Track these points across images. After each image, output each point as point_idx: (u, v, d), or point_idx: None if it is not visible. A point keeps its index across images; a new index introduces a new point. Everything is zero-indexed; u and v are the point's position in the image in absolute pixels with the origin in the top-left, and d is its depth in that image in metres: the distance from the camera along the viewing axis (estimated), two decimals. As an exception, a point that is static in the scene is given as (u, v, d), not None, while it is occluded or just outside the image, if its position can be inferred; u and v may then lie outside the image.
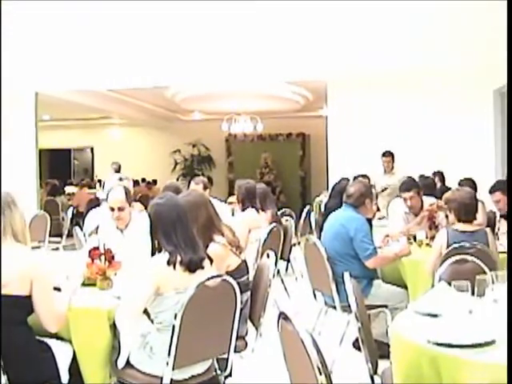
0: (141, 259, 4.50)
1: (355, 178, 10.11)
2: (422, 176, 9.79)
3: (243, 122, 18.91)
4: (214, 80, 14.30)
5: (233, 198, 10.11)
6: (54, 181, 17.92)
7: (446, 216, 6.47)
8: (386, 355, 3.76)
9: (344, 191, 6.77)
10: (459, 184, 9.30)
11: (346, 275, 4.40)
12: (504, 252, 6.42)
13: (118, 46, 10.19)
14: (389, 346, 3.70)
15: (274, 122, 20.64)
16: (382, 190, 11.84)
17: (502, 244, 6.60)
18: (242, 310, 4.72)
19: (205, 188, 8.69)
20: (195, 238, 4.34)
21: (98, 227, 6.54)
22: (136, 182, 19.53)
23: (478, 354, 3.17)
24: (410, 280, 6.38)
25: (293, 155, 22.16)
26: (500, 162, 12.01)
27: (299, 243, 10.02)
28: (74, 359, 4.19)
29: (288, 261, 10.03)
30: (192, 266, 4.15)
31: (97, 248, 5.04)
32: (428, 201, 8.01)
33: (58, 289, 4.24)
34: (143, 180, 21.23)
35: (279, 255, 8.44)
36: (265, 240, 7.54)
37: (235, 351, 4.58)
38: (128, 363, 4.19)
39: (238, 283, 4.49)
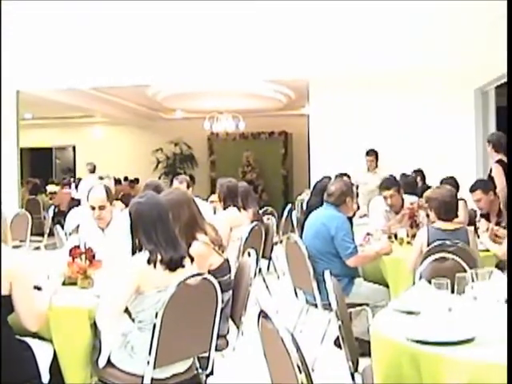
0: (121, 258, 4.49)
1: (337, 176, 10.16)
2: (403, 174, 9.85)
3: (225, 120, 18.91)
4: (196, 78, 14.29)
5: (214, 197, 10.11)
6: (35, 180, 17.82)
7: (427, 214, 6.48)
8: (367, 353, 3.76)
9: (325, 190, 6.78)
10: (441, 182, 9.32)
11: (327, 273, 4.41)
12: (484, 250, 6.48)
13: (100, 45, 10.16)
14: (370, 343, 3.71)
15: (256, 121, 20.65)
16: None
17: (483, 242, 6.63)
18: (223, 308, 4.73)
19: (188, 186, 8.72)
20: (176, 237, 4.33)
21: (78, 226, 6.51)
22: (118, 181, 19.51)
23: (457, 351, 3.18)
24: (391, 278, 6.40)
25: (275, 154, 22.17)
26: (481, 161, 12.07)
27: (281, 242, 10.02)
28: (55, 359, 4.17)
29: (270, 259, 10.04)
30: (172, 265, 4.14)
31: (77, 247, 5.03)
32: (409, 199, 8.05)
33: (38, 288, 4.23)
34: (125, 179, 21.19)
35: (261, 254, 8.44)
36: (246, 238, 7.54)
37: (216, 350, 4.58)
38: (109, 362, 4.18)
39: (220, 282, 4.49)
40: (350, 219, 7.52)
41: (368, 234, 7.20)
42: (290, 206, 12.18)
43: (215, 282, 4.28)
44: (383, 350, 3.55)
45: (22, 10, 7.91)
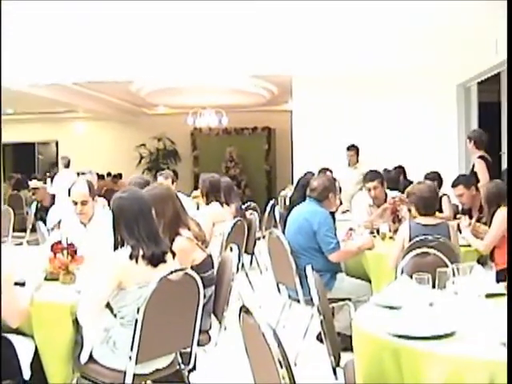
0: (103, 253, 4.48)
1: (320, 171, 10.18)
2: (385, 170, 9.87)
3: (208, 115, 18.88)
4: (179, 74, 14.25)
5: (197, 192, 10.11)
6: (17, 175, 17.76)
7: (409, 209, 6.51)
8: (349, 348, 3.77)
9: (308, 185, 6.79)
10: (425, 177, 9.38)
11: (308, 268, 4.41)
12: (465, 245, 6.51)
13: (83, 40, 10.11)
14: (352, 338, 3.72)
15: (240, 116, 20.61)
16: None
17: (465, 237, 6.66)
18: (206, 304, 4.73)
19: (172, 182, 8.74)
20: (158, 232, 4.33)
21: (60, 222, 6.49)
22: (101, 177, 19.42)
23: (437, 345, 3.20)
24: (373, 273, 6.42)
25: (258, 149, 22.14)
26: (464, 157, 12.11)
27: (264, 237, 10.02)
28: (36, 354, 4.17)
29: (252, 254, 10.04)
30: (154, 260, 4.13)
31: (59, 242, 5.01)
32: (391, 194, 8.07)
33: (21, 284, 4.22)
34: (108, 174, 21.10)
35: (243, 249, 8.45)
36: (229, 234, 7.54)
37: (199, 345, 4.58)
38: (91, 358, 4.17)
39: (203, 277, 4.50)
40: (333, 215, 7.54)
41: (350, 229, 7.21)
42: (272, 201, 12.19)
43: (197, 277, 4.28)
44: (365, 345, 3.56)
45: (2, 5, 7.86)
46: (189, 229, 5.09)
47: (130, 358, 4.00)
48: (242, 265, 8.57)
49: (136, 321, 3.98)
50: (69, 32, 9.53)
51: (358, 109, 13.46)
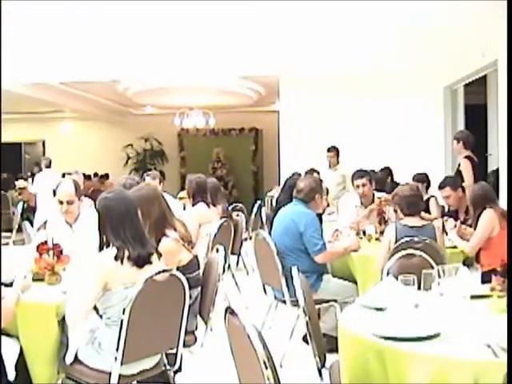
0: (89, 254, 4.47)
1: (307, 172, 10.19)
2: (372, 171, 9.88)
3: (195, 116, 18.89)
4: (166, 74, 14.24)
5: (184, 193, 10.12)
6: (3, 175, 17.68)
7: (395, 210, 6.53)
8: (335, 349, 3.78)
9: (295, 186, 6.80)
10: (413, 179, 9.43)
11: (294, 270, 4.42)
12: (451, 247, 6.54)
13: (70, 39, 10.07)
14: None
15: (227, 117, 20.61)
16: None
17: (451, 239, 6.69)
18: (192, 304, 4.73)
19: (160, 182, 8.74)
20: (144, 233, 4.31)
21: (46, 222, 6.47)
22: (88, 177, 19.38)
23: (422, 346, 3.22)
24: (359, 274, 6.43)
25: (245, 150, 22.16)
26: (450, 159, 12.14)
27: (250, 238, 10.04)
28: (21, 355, 4.16)
29: (239, 255, 10.05)
30: (140, 262, 4.12)
31: (45, 243, 5.00)
32: (378, 195, 8.10)
33: (7, 284, 4.20)
34: (95, 174, 21.05)
35: (230, 250, 8.46)
36: (215, 235, 7.54)
37: (184, 346, 4.58)
38: (76, 359, 4.17)
39: (189, 278, 4.49)
40: (320, 216, 7.56)
41: (336, 230, 7.23)
42: (259, 202, 12.20)
43: (183, 278, 4.27)
44: (350, 346, 3.57)
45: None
46: (175, 230, 5.09)
47: (116, 358, 3.99)
48: (229, 266, 8.58)
49: (121, 321, 3.97)
50: (55, 31, 9.50)
51: (344, 110, 13.48)
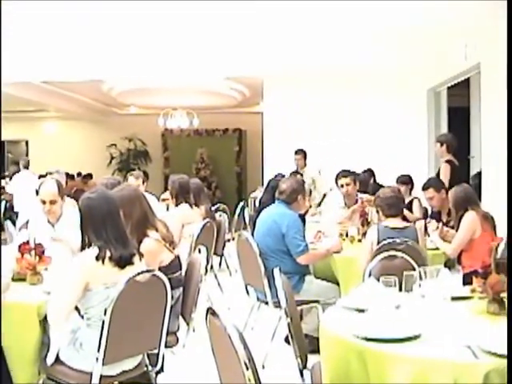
0: (70, 254, 4.46)
1: (291, 174, 10.21)
2: (353, 173, 9.91)
3: (179, 116, 18.87)
4: (150, 74, 14.22)
5: (166, 195, 10.11)
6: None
7: (377, 211, 6.55)
8: (317, 350, 3.79)
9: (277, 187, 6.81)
10: (397, 181, 9.47)
11: (276, 271, 4.42)
12: (433, 249, 6.57)
13: (55, 38, 10.04)
14: (319, 340, 3.75)
15: (211, 118, 20.61)
16: None
17: (433, 241, 6.72)
18: (174, 305, 4.73)
19: (143, 182, 8.74)
20: (126, 234, 4.29)
21: (28, 221, 6.44)
22: (71, 177, 19.32)
23: (403, 348, 3.23)
24: (341, 276, 6.44)
25: (229, 151, 22.18)
26: (433, 161, 12.18)
27: (233, 239, 10.04)
28: (2, 355, 4.14)
29: (222, 256, 10.04)
30: (122, 262, 4.10)
31: (27, 242, 4.98)
32: (361, 196, 8.13)
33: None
34: (79, 174, 20.98)
35: (213, 251, 8.44)
36: (198, 235, 7.54)
37: (166, 346, 4.57)
38: (57, 359, 4.15)
39: (171, 279, 4.49)
40: (303, 217, 7.57)
41: (319, 231, 7.24)
42: (242, 203, 12.19)
43: (165, 278, 4.27)
44: (331, 347, 3.58)
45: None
46: (156, 230, 5.07)
47: (97, 359, 3.98)
48: (211, 266, 8.57)
49: (103, 322, 3.96)
50: (39, 30, 9.46)
51: (327, 111, 13.51)
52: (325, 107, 13.50)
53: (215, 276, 9.10)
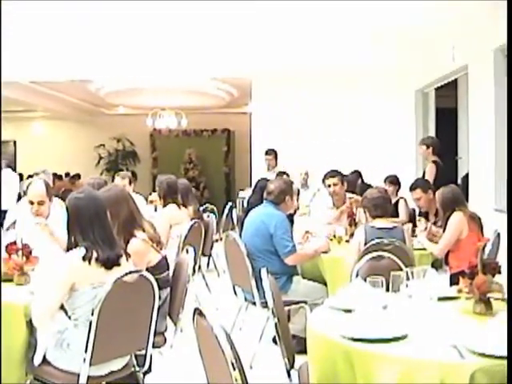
0: (57, 254, 4.44)
1: (278, 174, 10.21)
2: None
3: (168, 117, 18.86)
4: (139, 75, 14.21)
5: (153, 196, 10.12)
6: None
7: (365, 211, 6.57)
8: (305, 350, 3.79)
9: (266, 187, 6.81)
10: (385, 180, 9.51)
11: (263, 271, 4.43)
12: (421, 249, 6.59)
13: (42, 37, 10.02)
14: (307, 340, 3.76)
15: (199, 118, 20.63)
16: None
17: (420, 241, 6.74)
18: (161, 305, 4.72)
19: (130, 183, 8.71)
20: (113, 235, 4.28)
21: (15, 222, 6.42)
22: (59, 177, 19.28)
23: (390, 348, 3.24)
24: (329, 276, 6.46)
25: (217, 151, 22.19)
26: (421, 162, 12.22)
27: (221, 239, 10.04)
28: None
29: (209, 257, 10.04)
30: (109, 264, 4.09)
31: (14, 243, 4.97)
32: (349, 196, 8.14)
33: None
34: (67, 174, 20.93)
35: (201, 251, 8.44)
36: (186, 236, 7.53)
37: (154, 347, 4.57)
38: (44, 360, 4.13)
39: (159, 279, 4.49)
40: (292, 217, 7.57)
41: (307, 232, 7.24)
42: (230, 203, 12.19)
43: (152, 279, 4.27)
44: (318, 347, 3.59)
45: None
46: (143, 230, 5.06)
47: (84, 359, 3.97)
48: (199, 267, 8.57)
49: (90, 322, 3.95)
50: (25, 30, 9.44)
51: (316, 112, 13.54)
52: (312, 107, 13.53)
53: (203, 276, 9.10)
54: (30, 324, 4.20)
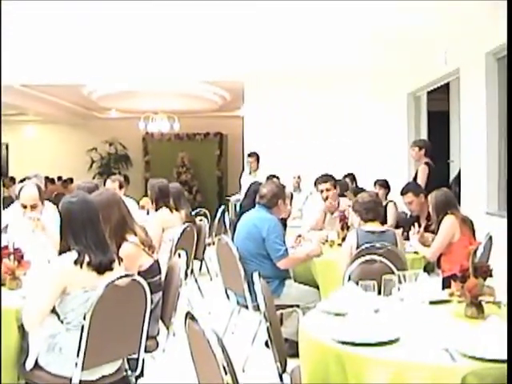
0: (49, 258, 4.44)
1: (268, 178, 10.21)
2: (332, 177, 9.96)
3: (160, 120, 18.85)
4: (131, 78, 14.21)
5: (144, 201, 10.11)
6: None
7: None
8: (297, 354, 3.80)
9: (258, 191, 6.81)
10: (375, 183, 9.52)
11: (255, 275, 4.43)
12: (412, 252, 6.60)
13: (34, 41, 10.01)
14: (299, 344, 3.76)
15: (192, 122, 20.64)
16: None
17: (412, 245, 6.75)
18: (153, 309, 4.72)
19: (120, 187, 8.70)
20: (105, 239, 4.28)
21: (7, 226, 6.40)
22: (52, 181, 19.26)
23: (381, 351, 3.25)
24: (321, 280, 6.45)
25: (210, 155, 22.22)
26: (413, 165, 12.25)
27: (214, 243, 10.03)
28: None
29: (202, 260, 10.02)
30: (101, 268, 4.09)
31: (6, 247, 4.95)
32: (344, 202, 8.15)
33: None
34: (59, 178, 20.91)
35: (193, 255, 8.43)
36: (178, 240, 7.52)
37: (146, 351, 4.56)
38: (36, 364, 4.12)
39: (150, 283, 4.48)
40: (284, 221, 7.57)
41: (299, 235, 7.25)
42: (223, 207, 12.19)
43: (144, 283, 4.26)
44: (310, 351, 3.59)
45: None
46: (135, 234, 5.05)
47: (76, 364, 3.96)
48: (192, 271, 8.56)
49: (82, 326, 3.94)
50: (18, 32, 9.43)
51: (309, 115, 13.56)
52: (305, 110, 13.56)
53: (195, 280, 9.10)
54: (22, 328, 4.18)
